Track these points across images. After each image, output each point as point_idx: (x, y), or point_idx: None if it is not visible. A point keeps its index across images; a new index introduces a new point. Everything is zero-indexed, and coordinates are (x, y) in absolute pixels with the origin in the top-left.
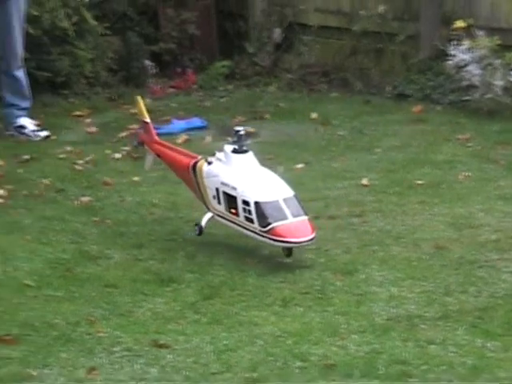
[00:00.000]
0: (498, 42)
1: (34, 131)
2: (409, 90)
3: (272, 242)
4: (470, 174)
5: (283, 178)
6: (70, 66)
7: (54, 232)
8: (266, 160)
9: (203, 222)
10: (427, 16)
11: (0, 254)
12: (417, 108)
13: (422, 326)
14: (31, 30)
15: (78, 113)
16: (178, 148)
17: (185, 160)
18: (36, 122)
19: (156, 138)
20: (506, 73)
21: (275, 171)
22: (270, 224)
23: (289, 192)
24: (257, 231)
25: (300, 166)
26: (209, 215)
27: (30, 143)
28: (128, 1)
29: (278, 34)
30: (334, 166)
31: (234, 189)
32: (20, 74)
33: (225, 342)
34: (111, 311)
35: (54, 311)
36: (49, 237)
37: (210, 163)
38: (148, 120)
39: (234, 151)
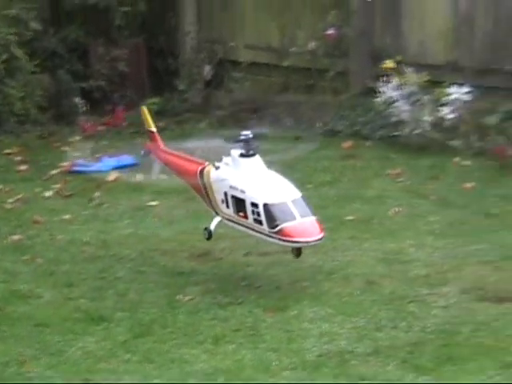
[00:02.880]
0: (427, 78)
1: None
2: (339, 125)
3: (281, 242)
4: (400, 209)
5: None
6: (0, 104)
7: None
8: None
9: (212, 227)
10: (357, 53)
11: None
12: (347, 144)
13: (353, 362)
14: None
15: (7, 151)
16: (185, 155)
17: (192, 166)
18: None
19: (162, 146)
20: (435, 109)
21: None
22: (278, 225)
23: (296, 193)
24: (266, 232)
25: None
26: (217, 219)
27: None
28: (57, 38)
29: (208, 70)
30: None
31: (243, 192)
32: None
33: (156, 381)
34: (42, 350)
35: None
36: None
37: (217, 168)
38: (154, 129)
39: (242, 155)
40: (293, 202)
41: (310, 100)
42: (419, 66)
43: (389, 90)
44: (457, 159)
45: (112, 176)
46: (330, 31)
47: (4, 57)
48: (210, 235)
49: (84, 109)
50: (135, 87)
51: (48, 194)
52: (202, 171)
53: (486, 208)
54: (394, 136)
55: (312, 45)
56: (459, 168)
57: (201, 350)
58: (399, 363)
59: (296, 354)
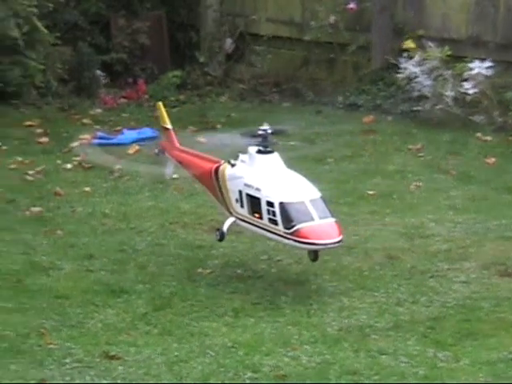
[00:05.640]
0: (449, 52)
1: None
2: (360, 100)
3: (297, 244)
4: (421, 184)
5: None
6: (21, 76)
7: (3, 243)
8: None
9: (225, 228)
10: (378, 27)
11: None
12: (368, 118)
13: (374, 337)
14: None
15: (28, 123)
16: (200, 153)
17: (207, 165)
18: None
19: (177, 144)
20: (457, 83)
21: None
22: (294, 226)
23: (315, 193)
24: (281, 233)
25: None
26: (231, 220)
27: None
28: (79, 11)
29: (229, 44)
30: None
31: (258, 190)
32: None
33: (176, 354)
34: (62, 322)
35: (3, 323)
36: None
37: (233, 165)
38: (169, 126)
39: (259, 152)
40: (311, 201)
41: (331, 74)
42: (441, 41)
43: (410, 66)
44: (478, 134)
45: (133, 148)
46: (351, 5)
47: (25, 29)
48: (222, 236)
49: (105, 81)
50: (156, 60)
51: (69, 166)
52: (217, 170)
53: (507, 183)
54: (415, 111)
55: (333, 19)
56: (481, 143)
57: (221, 323)
58: (419, 338)
59: (316, 328)
